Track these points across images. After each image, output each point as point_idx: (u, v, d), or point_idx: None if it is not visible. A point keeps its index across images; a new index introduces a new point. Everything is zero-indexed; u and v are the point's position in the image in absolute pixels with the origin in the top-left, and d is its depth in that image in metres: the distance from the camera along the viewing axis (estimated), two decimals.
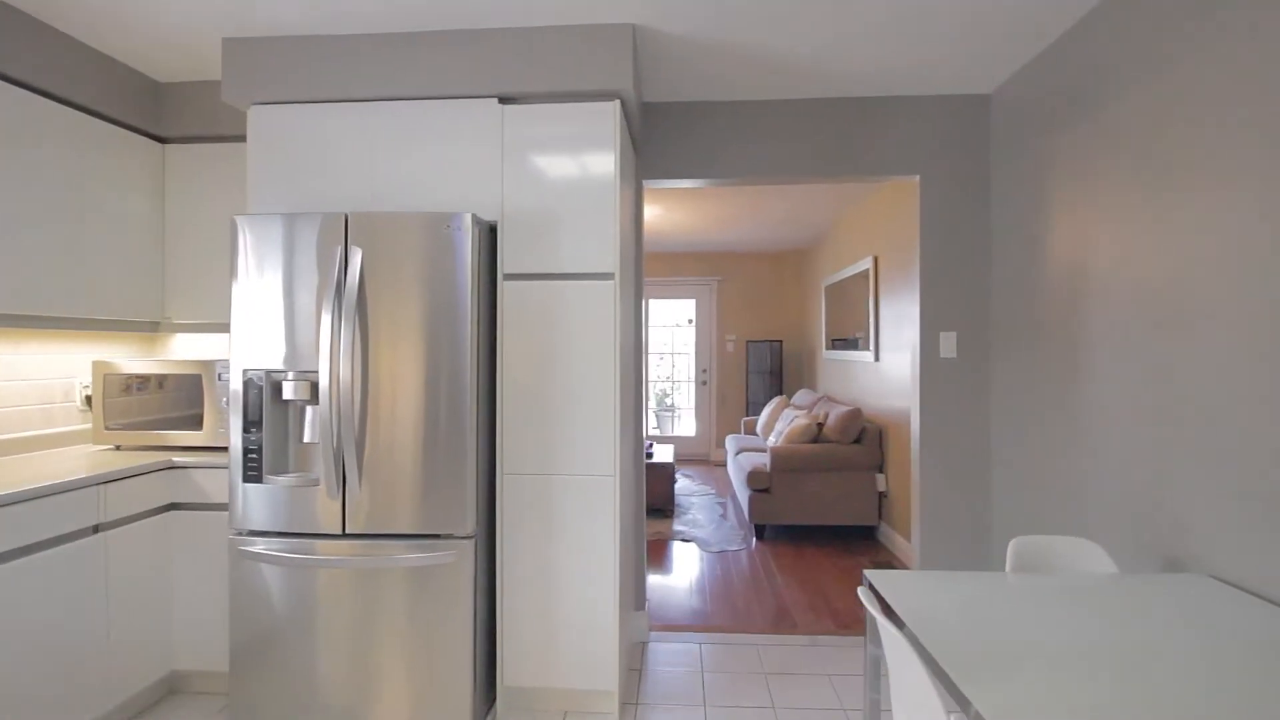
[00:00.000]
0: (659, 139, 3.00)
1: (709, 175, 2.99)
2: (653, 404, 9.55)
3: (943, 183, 2.91)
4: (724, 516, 5.18)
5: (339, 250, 2.14)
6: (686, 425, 8.03)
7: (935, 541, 2.90)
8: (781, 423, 5.42)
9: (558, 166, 2.31)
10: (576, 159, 2.30)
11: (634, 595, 2.94)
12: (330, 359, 2.11)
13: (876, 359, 4.62)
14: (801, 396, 6.07)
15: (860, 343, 5.46)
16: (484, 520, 2.28)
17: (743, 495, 4.78)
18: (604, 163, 2.28)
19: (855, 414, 4.46)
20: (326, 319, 2.11)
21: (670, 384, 9.15)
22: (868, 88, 2.85)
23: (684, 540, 4.52)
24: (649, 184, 3.06)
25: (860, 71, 2.69)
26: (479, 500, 2.23)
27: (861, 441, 4.50)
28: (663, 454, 5.53)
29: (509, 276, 2.34)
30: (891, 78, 2.74)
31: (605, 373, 2.29)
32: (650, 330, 7.88)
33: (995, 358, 2.84)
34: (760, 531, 4.57)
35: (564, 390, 2.30)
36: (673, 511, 5.14)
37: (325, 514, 2.16)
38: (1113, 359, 2.07)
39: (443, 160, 2.36)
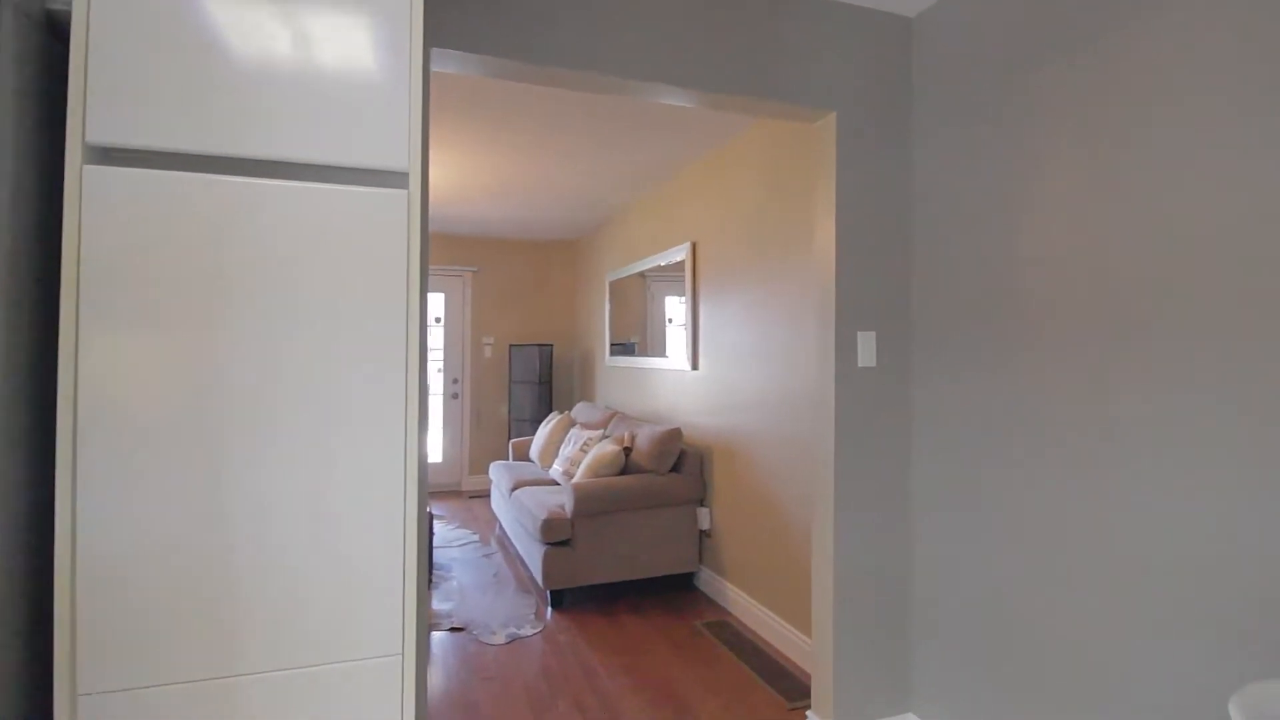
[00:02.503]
0: None
1: (538, 59, 1.78)
2: None
3: (866, 127, 2.13)
4: (498, 576, 3.91)
5: None
6: (431, 449, 6.48)
7: (850, 603, 2.09)
8: (569, 446, 4.34)
9: None
10: None
11: None
12: None
13: (694, 367, 3.82)
14: (584, 411, 5.08)
15: (638, 347, 4.67)
16: None
17: (530, 550, 3.58)
18: None
19: (674, 435, 3.59)
20: None
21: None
22: None
23: (453, 628, 3.16)
24: (439, 59, 1.74)
25: None
26: None
27: (681, 469, 3.64)
28: None
29: (115, 155, 0.88)
30: None
31: (389, 394, 0.97)
32: None
33: (918, 367, 2.14)
34: (557, 599, 3.43)
35: (282, 446, 0.92)
36: (430, 579, 3.71)
37: None
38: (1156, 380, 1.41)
39: None
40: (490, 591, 3.64)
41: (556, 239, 6.37)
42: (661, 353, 4.28)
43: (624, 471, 3.70)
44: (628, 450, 3.73)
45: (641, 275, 4.66)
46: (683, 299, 3.99)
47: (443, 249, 6.21)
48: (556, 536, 3.34)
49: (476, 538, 4.72)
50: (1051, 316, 1.70)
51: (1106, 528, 1.56)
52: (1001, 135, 1.84)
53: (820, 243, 2.16)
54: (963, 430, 1.96)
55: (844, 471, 2.09)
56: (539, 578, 3.38)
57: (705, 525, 3.58)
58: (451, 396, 6.33)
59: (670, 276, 4.18)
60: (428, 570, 3.62)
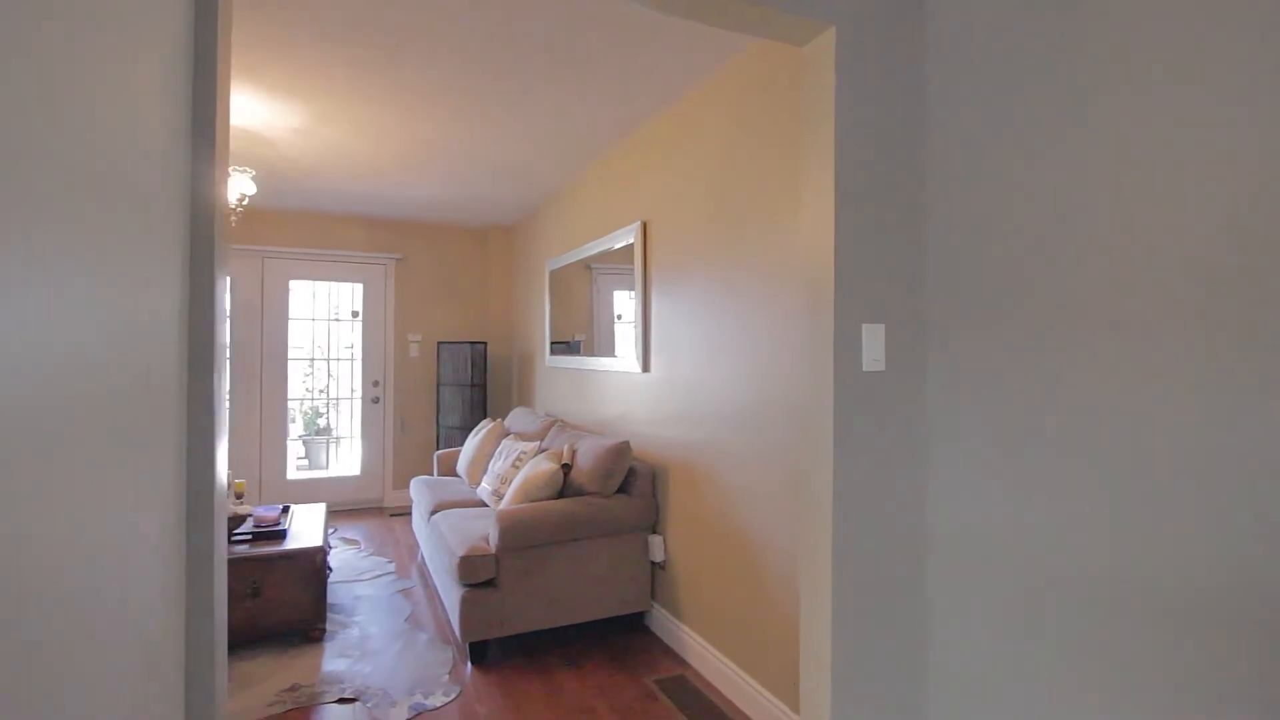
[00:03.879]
0: None
1: None
2: (300, 429, 6.96)
3: (873, 48, 1.59)
4: (411, 620, 3.25)
5: None
6: (349, 461, 5.74)
7: (851, 678, 1.55)
8: (500, 461, 3.72)
9: None
10: None
11: None
12: None
13: (645, 369, 3.25)
14: (520, 419, 4.45)
15: (583, 346, 4.09)
16: None
17: (449, 591, 2.95)
18: None
19: (621, 450, 3.01)
20: None
21: (327, 401, 6.71)
22: None
23: (343, 699, 2.50)
24: None
25: None
26: None
27: (630, 490, 3.07)
28: (306, 523, 3.35)
29: None
30: None
31: None
32: (295, 324, 5.40)
33: (938, 370, 1.62)
34: (480, 652, 2.80)
35: None
36: (323, 629, 3.03)
37: None
38: None
39: None
40: (399, 642, 2.99)
41: (491, 224, 5.71)
42: (610, 352, 3.71)
43: (562, 493, 3.10)
44: (566, 468, 3.13)
45: (587, 267, 4.08)
46: (633, 293, 3.42)
47: (361, 232, 5.47)
48: (478, 577, 2.72)
49: (393, 568, 4.04)
50: (1128, 303, 1.19)
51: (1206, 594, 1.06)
52: (1049, 54, 1.33)
53: (812, 207, 1.61)
54: (999, 454, 1.45)
55: (845, 506, 1.55)
56: (456, 628, 2.75)
57: (658, 556, 3.02)
58: (372, 401, 5.60)
59: (619, 269, 3.60)
60: (323, 619, 2.96)
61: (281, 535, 3.11)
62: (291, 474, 5.46)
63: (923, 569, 1.65)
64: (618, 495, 3.03)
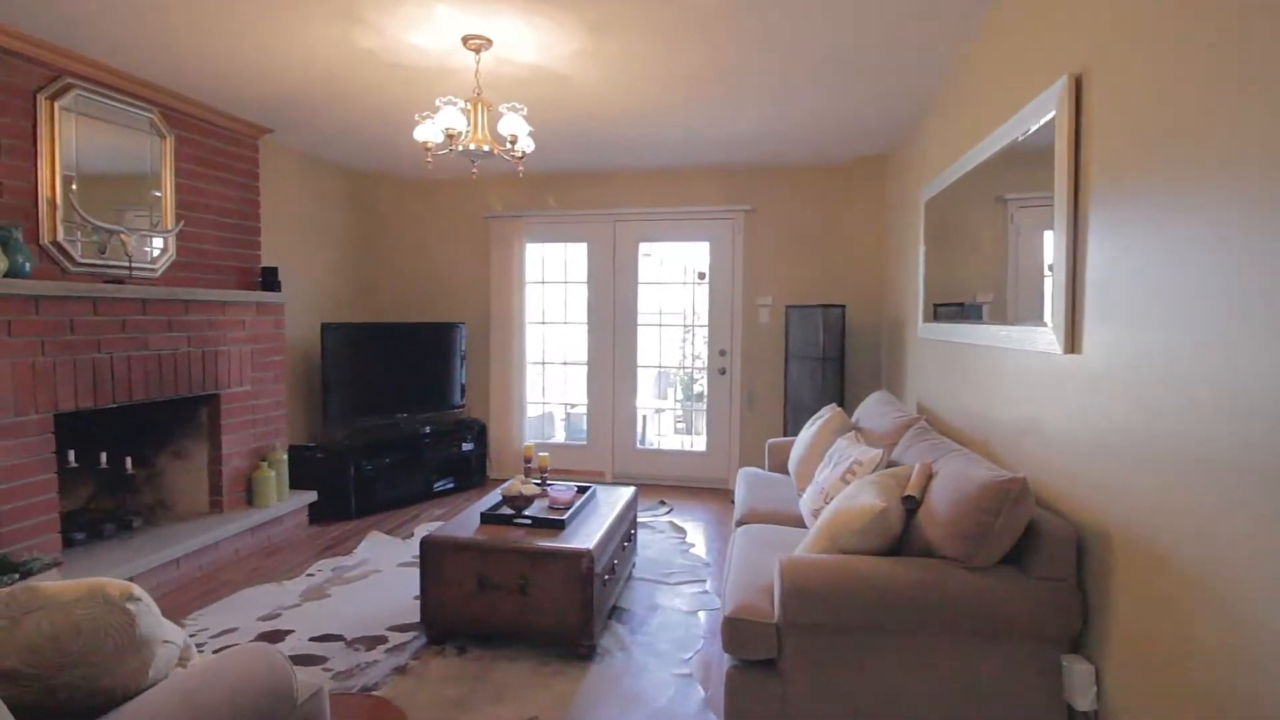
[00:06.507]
0: None
1: None
2: (679, 393, 6.99)
3: None
4: (699, 664, 2.52)
5: None
6: (694, 436, 5.37)
7: None
8: (828, 468, 2.68)
9: None
10: None
11: None
12: None
13: (1070, 348, 1.80)
14: (873, 410, 3.27)
15: (988, 311, 2.61)
16: None
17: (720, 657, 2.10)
18: None
19: (1009, 494, 1.68)
20: None
21: (694, 370, 6.55)
22: None
23: None
24: None
25: None
26: None
27: (1027, 564, 1.72)
28: (601, 512, 2.90)
29: None
30: None
31: None
32: (646, 288, 5.17)
33: None
34: None
35: None
36: (591, 646, 2.52)
37: None
38: None
39: None
40: (667, 694, 2.28)
41: (857, 156, 4.50)
42: (1037, 319, 2.19)
43: (900, 548, 1.92)
44: (910, 504, 1.94)
45: (999, 199, 2.59)
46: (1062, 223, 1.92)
47: (707, 183, 4.89)
48: (748, 651, 1.81)
49: (708, 575, 3.38)
50: None
51: None
52: None
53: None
54: None
55: None
56: (720, 714, 1.90)
57: (1084, 702, 1.61)
58: (719, 372, 5.06)
59: (1048, 199, 2.11)
60: (590, 634, 2.45)
61: (560, 526, 2.71)
62: (639, 445, 5.31)
63: None
64: (1001, 569, 1.72)
